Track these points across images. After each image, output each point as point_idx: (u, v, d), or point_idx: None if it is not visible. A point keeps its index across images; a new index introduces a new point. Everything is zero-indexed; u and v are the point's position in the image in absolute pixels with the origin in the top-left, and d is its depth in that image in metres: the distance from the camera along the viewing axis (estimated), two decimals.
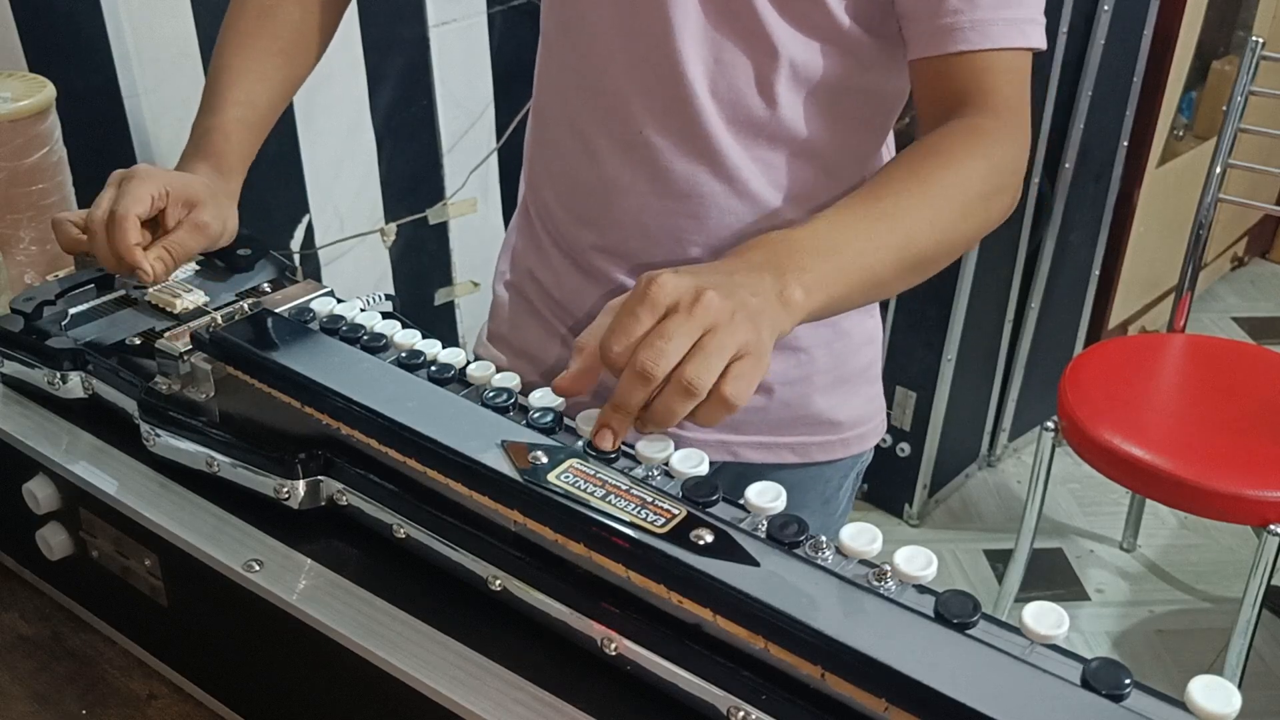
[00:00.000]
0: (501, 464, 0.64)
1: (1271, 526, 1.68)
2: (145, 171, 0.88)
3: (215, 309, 0.85)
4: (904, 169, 0.82)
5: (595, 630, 0.60)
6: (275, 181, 1.82)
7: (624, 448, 0.66)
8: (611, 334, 0.65)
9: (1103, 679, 0.51)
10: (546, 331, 1.03)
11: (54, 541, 0.79)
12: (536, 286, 1.03)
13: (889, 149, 0.98)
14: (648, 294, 0.65)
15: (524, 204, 1.06)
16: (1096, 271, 2.58)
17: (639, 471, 0.64)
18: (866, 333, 1.03)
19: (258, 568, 0.68)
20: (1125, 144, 2.41)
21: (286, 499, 0.71)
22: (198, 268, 0.93)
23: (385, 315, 0.79)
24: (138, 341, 0.83)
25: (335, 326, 0.77)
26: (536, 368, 1.04)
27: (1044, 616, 0.53)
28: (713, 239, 0.92)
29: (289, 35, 1.02)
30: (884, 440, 1.09)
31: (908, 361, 2.33)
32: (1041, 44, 0.84)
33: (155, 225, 0.88)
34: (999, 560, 2.35)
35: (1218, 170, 2.05)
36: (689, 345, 0.64)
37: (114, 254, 0.85)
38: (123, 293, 0.90)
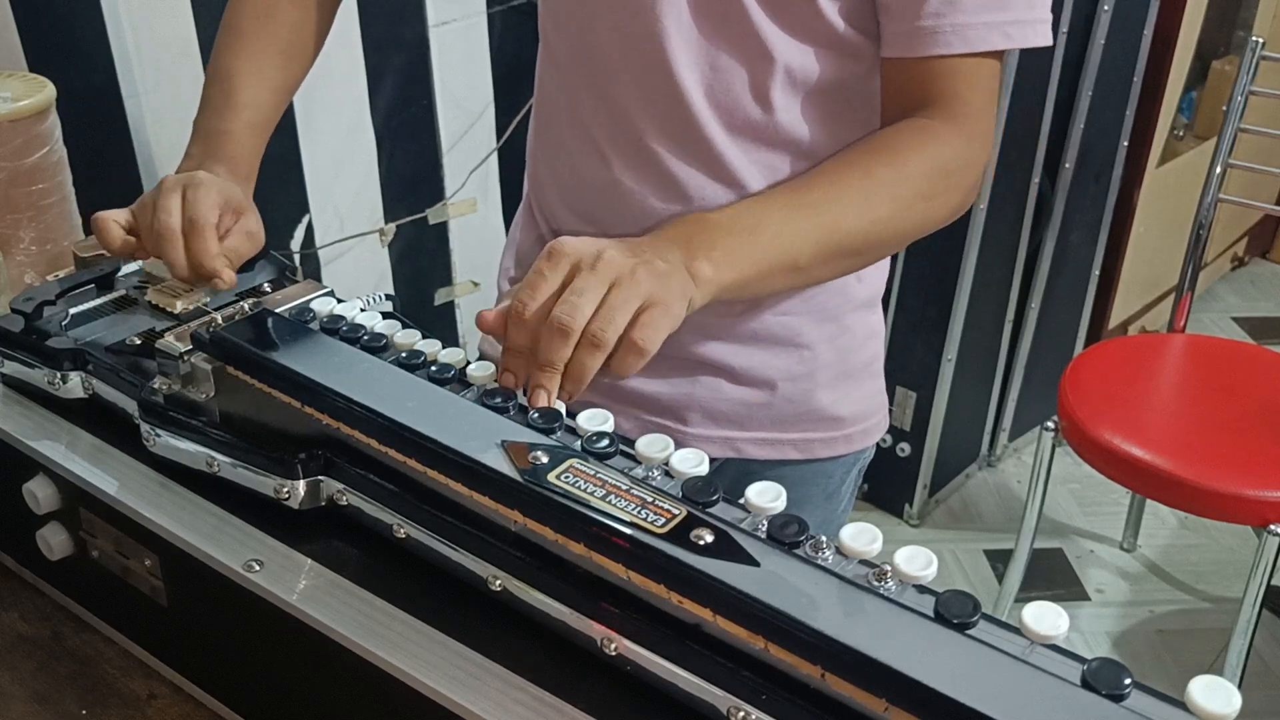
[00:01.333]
0: (501, 464, 0.64)
1: (1271, 526, 1.68)
2: (206, 179, 0.88)
3: (215, 309, 0.85)
4: (842, 161, 0.85)
5: (595, 630, 0.61)
6: (275, 181, 1.82)
7: (624, 448, 0.66)
8: (521, 291, 0.70)
9: (1103, 679, 0.51)
10: None
11: (54, 541, 0.79)
12: None
13: None
14: (551, 252, 0.71)
15: (528, 201, 1.06)
16: (1096, 271, 2.58)
17: (639, 471, 0.64)
18: (869, 328, 1.03)
19: (258, 568, 0.68)
20: (1125, 144, 2.41)
21: (286, 499, 0.71)
22: None
23: (385, 315, 0.79)
24: (138, 341, 0.83)
25: (335, 326, 0.77)
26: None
27: (1044, 616, 0.53)
28: None
29: (288, 36, 1.02)
30: (884, 440, 1.09)
31: (908, 361, 2.33)
32: (1036, 41, 0.84)
33: None
34: (999, 560, 2.35)
35: (1218, 170, 2.05)
36: (599, 299, 0.68)
37: (193, 263, 0.85)
38: (123, 293, 0.90)
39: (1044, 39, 0.84)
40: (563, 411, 0.69)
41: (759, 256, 0.78)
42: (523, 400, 0.70)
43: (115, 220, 0.88)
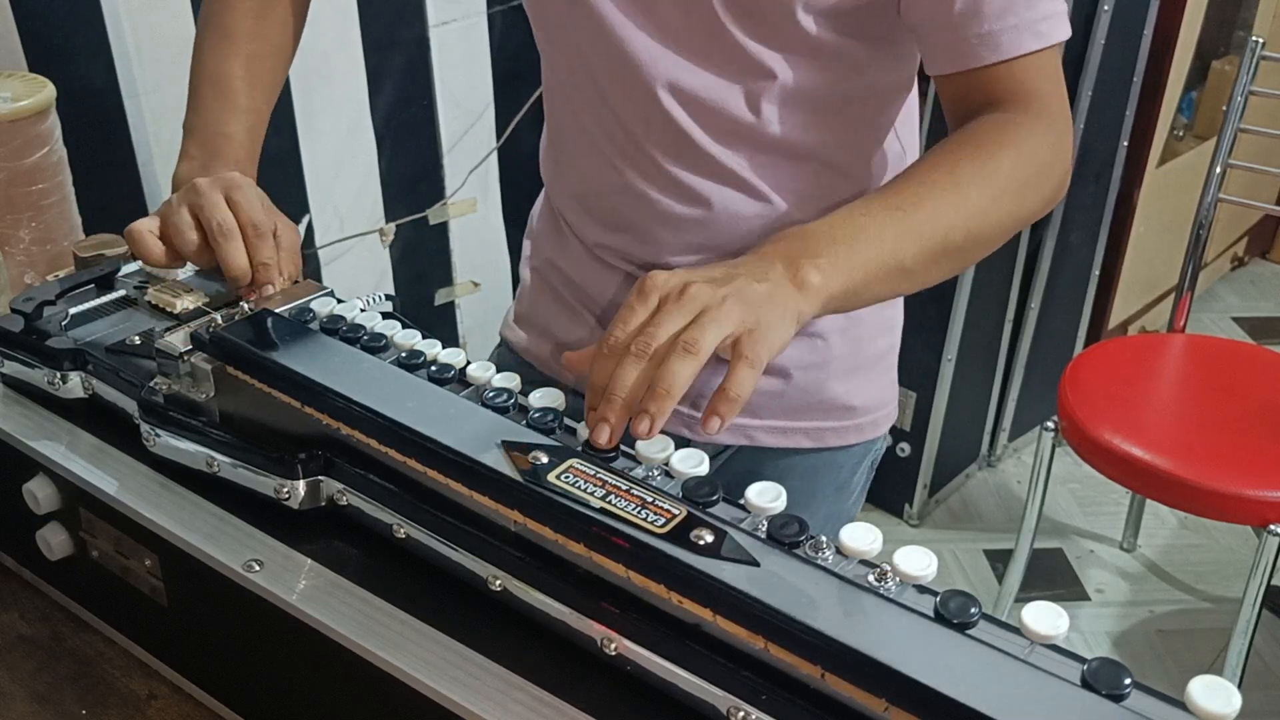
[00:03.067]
0: (501, 464, 0.64)
1: (1271, 526, 1.68)
2: (246, 182, 0.88)
3: (215, 309, 0.85)
4: (932, 161, 0.82)
5: (595, 630, 0.61)
6: (275, 181, 1.81)
7: (624, 447, 0.66)
8: (611, 326, 0.69)
9: (1103, 679, 0.51)
10: (570, 314, 1.04)
11: (54, 541, 0.79)
12: (558, 272, 1.05)
13: (907, 140, 0.97)
14: (641, 288, 0.69)
15: (546, 193, 1.06)
16: (1096, 271, 2.58)
17: (639, 471, 0.64)
18: (884, 320, 1.04)
19: (258, 568, 0.68)
20: (1125, 144, 2.41)
21: (286, 499, 0.71)
22: (197, 268, 0.93)
23: (385, 315, 0.79)
24: (138, 341, 0.83)
25: (335, 326, 0.77)
26: (559, 345, 1.05)
27: (1044, 616, 0.53)
28: (725, 241, 0.92)
29: (278, 37, 1.02)
30: (885, 438, 1.09)
31: (908, 361, 2.31)
32: (1063, 35, 0.83)
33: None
34: (999, 560, 2.35)
35: (1218, 170, 2.05)
36: (680, 327, 0.67)
37: (256, 265, 0.84)
38: (123, 293, 0.90)
39: (1067, 31, 0.83)
40: (563, 413, 0.69)
41: (862, 262, 0.76)
42: (524, 401, 0.70)
43: (150, 231, 0.87)
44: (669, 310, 0.68)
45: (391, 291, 1.94)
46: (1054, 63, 0.84)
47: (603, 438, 0.66)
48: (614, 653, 0.60)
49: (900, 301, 1.05)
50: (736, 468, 1.02)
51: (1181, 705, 0.50)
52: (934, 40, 0.83)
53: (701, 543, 0.58)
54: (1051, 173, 0.84)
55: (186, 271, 0.92)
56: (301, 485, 0.71)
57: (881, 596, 0.55)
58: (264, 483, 0.72)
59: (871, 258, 0.77)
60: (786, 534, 0.59)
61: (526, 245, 1.11)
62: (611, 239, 0.97)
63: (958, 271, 0.85)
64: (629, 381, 0.66)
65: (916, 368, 2.33)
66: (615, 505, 0.60)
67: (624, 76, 0.88)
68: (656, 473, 0.64)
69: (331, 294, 0.84)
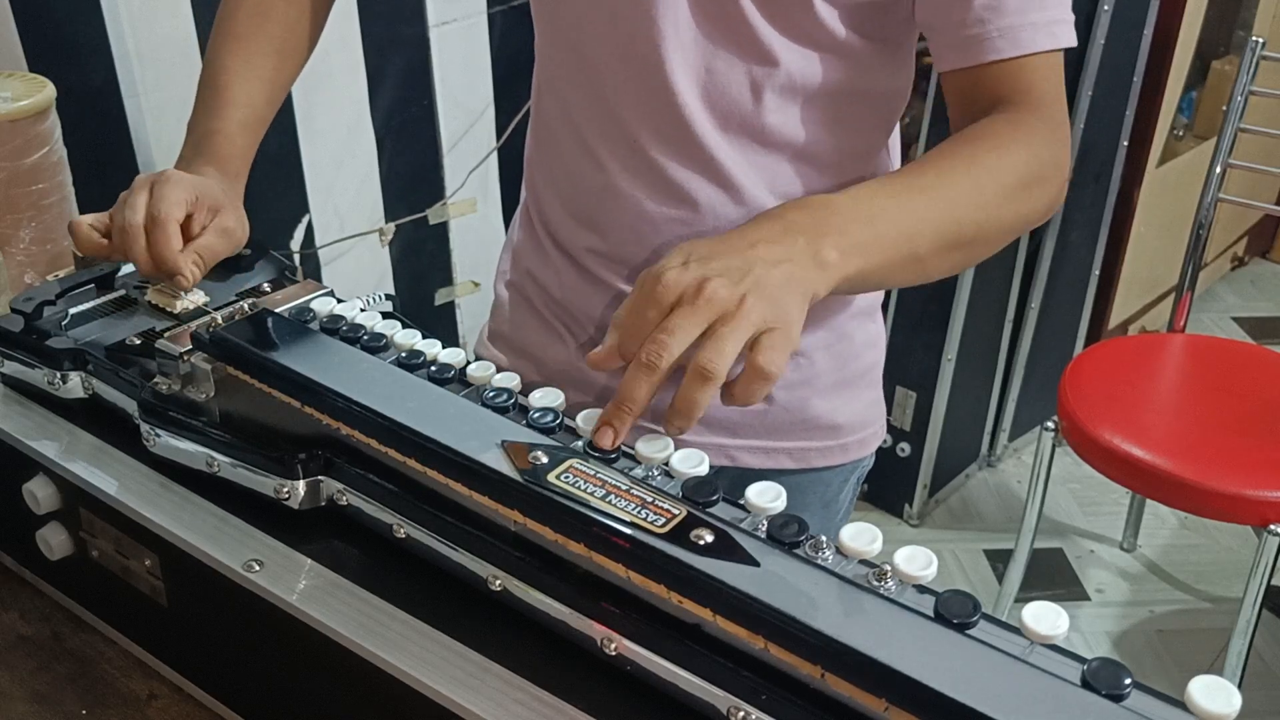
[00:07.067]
0: (501, 464, 0.64)
1: (1271, 526, 1.68)
2: (175, 176, 0.88)
3: (215, 309, 0.85)
4: (948, 150, 0.81)
5: (595, 630, 0.60)
6: (275, 181, 1.82)
7: (624, 447, 0.66)
8: (624, 337, 0.67)
9: (1103, 679, 0.51)
10: (547, 331, 1.03)
11: (54, 541, 0.79)
12: (536, 286, 1.03)
13: (892, 148, 0.97)
14: (653, 294, 0.67)
15: (525, 204, 1.06)
16: (1096, 271, 2.58)
17: (639, 471, 0.64)
18: (868, 336, 1.02)
19: (258, 568, 0.68)
20: (1125, 144, 2.41)
21: (286, 499, 0.71)
22: None
23: (385, 315, 0.79)
24: (138, 341, 0.83)
25: (335, 326, 0.77)
26: (537, 367, 1.04)
27: (1044, 616, 0.53)
28: None
29: (283, 35, 1.02)
30: (884, 440, 1.08)
31: (908, 361, 2.33)
32: (1071, 41, 0.83)
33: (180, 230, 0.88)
34: (999, 560, 2.35)
35: (1218, 170, 2.05)
36: (696, 334, 0.65)
37: (155, 258, 0.85)
38: (123, 293, 0.90)
39: (1074, 40, 0.84)
40: (562, 413, 0.69)
41: (881, 244, 0.74)
42: (524, 401, 0.70)
43: (89, 223, 0.88)
44: (684, 314, 0.66)
45: (391, 291, 1.95)
46: (1060, 68, 0.84)
47: (607, 441, 0.66)
48: (614, 653, 0.60)
49: (879, 315, 1.04)
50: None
51: (1181, 705, 0.50)
52: (950, 35, 0.83)
53: (701, 543, 0.58)
54: (1056, 177, 0.84)
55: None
56: (301, 485, 0.71)
57: (881, 596, 0.55)
58: (264, 483, 0.72)
59: (889, 241, 0.75)
60: (786, 534, 0.59)
61: (503, 259, 1.09)
62: (593, 241, 0.96)
63: (959, 269, 0.84)
64: (641, 396, 0.66)
65: (916, 368, 2.33)
66: (615, 505, 0.60)
67: (626, 54, 0.87)
68: (656, 473, 0.64)
69: (331, 294, 0.84)
